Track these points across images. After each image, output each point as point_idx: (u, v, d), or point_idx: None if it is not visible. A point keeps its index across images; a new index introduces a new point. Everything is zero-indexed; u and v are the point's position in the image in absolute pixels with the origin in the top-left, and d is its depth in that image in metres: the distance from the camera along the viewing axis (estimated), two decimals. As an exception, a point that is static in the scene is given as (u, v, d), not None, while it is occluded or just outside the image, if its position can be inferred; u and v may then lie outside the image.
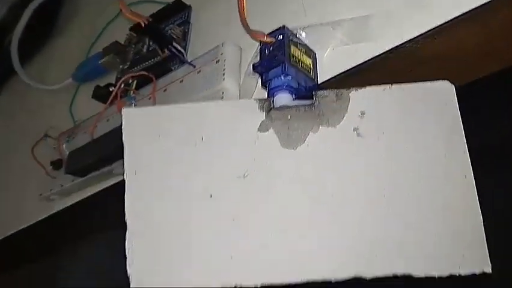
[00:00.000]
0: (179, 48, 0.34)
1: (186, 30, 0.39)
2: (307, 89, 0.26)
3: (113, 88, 0.40)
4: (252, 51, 0.33)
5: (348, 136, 0.24)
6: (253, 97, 0.29)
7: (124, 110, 0.25)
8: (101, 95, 0.41)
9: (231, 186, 0.23)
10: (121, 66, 0.44)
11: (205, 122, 0.24)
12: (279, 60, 0.24)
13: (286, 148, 0.24)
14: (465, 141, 0.24)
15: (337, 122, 0.24)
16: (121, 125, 0.36)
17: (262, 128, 0.24)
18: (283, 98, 0.25)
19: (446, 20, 0.24)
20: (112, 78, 0.43)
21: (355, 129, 0.24)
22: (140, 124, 0.24)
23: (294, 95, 0.25)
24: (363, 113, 0.24)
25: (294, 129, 0.24)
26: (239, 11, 0.26)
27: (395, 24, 0.25)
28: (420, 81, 0.25)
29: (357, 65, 0.26)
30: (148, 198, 0.23)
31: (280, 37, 0.25)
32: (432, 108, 0.24)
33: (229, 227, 0.23)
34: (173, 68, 0.37)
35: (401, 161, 0.24)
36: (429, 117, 0.24)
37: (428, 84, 0.25)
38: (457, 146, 0.24)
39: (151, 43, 0.41)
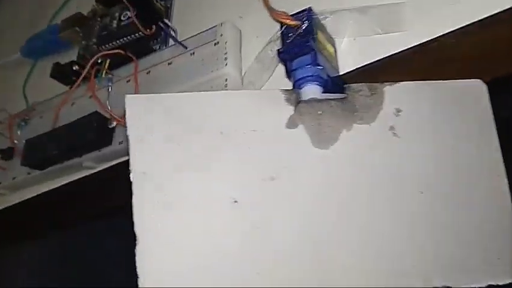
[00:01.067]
0: (170, 25, 0.30)
1: (168, 5, 0.34)
2: (333, 81, 0.23)
3: (77, 67, 0.35)
4: (246, 35, 0.30)
5: (384, 135, 0.22)
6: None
7: (128, 97, 0.20)
8: (63, 74, 0.35)
9: (256, 190, 0.20)
10: (84, 42, 0.38)
11: (225, 114, 0.21)
12: (309, 48, 0.22)
13: (317, 148, 0.21)
14: (498, 141, 0.23)
15: (371, 120, 0.22)
16: (95, 112, 0.31)
17: (291, 123, 0.21)
18: (312, 90, 0.22)
19: (480, 18, 0.23)
20: (71, 56, 0.38)
21: (391, 128, 0.22)
22: (149, 114, 0.20)
23: (322, 87, 0.22)
24: (398, 111, 0.22)
25: (326, 125, 0.21)
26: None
27: (428, 17, 0.24)
28: (448, 79, 0.23)
29: (383, 58, 0.24)
30: (160, 207, 0.19)
31: (308, 21, 0.22)
32: (465, 107, 0.23)
33: (255, 237, 0.20)
34: (155, 48, 0.33)
35: (436, 165, 0.22)
36: (462, 117, 0.23)
37: (461, 82, 0.23)
38: (489, 146, 0.23)
39: (122, 17, 0.36)
